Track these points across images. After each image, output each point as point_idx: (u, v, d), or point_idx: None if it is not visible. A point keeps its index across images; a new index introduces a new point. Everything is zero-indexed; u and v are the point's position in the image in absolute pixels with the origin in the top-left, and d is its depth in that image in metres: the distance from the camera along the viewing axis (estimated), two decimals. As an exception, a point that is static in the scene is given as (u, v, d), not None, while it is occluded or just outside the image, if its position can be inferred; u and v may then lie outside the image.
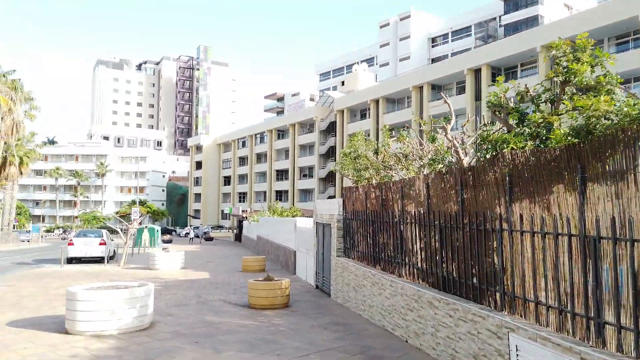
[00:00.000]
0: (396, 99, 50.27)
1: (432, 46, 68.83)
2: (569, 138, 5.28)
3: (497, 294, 5.51)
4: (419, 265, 7.51)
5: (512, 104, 6.26)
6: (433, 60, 64.86)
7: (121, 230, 25.67)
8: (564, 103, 5.76)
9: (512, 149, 5.57)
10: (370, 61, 73.76)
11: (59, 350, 7.10)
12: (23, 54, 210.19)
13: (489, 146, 6.21)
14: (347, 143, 11.99)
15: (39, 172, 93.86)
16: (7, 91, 38.48)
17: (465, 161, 7.40)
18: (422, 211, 7.35)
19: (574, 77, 5.53)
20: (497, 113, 6.33)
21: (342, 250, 11.59)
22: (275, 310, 10.42)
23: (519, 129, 5.81)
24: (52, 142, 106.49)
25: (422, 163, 8.78)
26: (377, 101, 50.49)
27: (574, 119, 5.65)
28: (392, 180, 9.14)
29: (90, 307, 7.95)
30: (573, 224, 4.43)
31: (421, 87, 45.38)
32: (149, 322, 8.65)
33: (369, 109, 52.43)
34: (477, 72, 40.42)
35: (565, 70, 5.63)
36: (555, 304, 4.64)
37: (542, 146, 5.47)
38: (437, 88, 45.39)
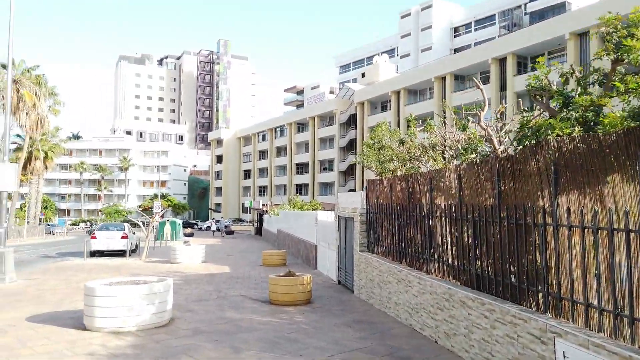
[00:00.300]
0: (418, 90, 49.38)
1: (455, 36, 67.40)
2: (627, 122, 4.75)
3: (540, 295, 5.04)
4: (450, 262, 7.07)
5: (554, 87, 5.74)
6: (455, 51, 63.49)
7: (143, 223, 25.73)
8: (614, 84, 5.23)
9: (558, 135, 5.08)
10: (391, 52, 72.74)
11: (76, 347, 6.90)
12: (46, 49, 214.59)
13: (530, 133, 5.71)
14: (369, 135, 11.55)
15: (64, 167, 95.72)
16: (31, 86, 39.05)
17: (500, 150, 6.91)
18: (453, 204, 6.90)
19: (627, 55, 4.99)
20: (537, 97, 5.83)
21: (365, 245, 11.19)
22: (296, 306, 10.10)
23: (564, 113, 5.29)
24: (76, 137, 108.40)
25: (451, 153, 8.30)
26: (398, 93, 49.68)
27: (625, 102, 5.12)
28: (419, 171, 8.68)
29: (109, 303, 7.75)
30: (632, 218, 3.94)
31: (444, 78, 44.41)
32: (168, 318, 8.42)
33: (389, 101, 51.67)
34: (502, 61, 39.29)
35: (617, 47, 5.10)
36: (610, 307, 4.17)
37: (592, 132, 4.97)
38: (460, 78, 44.39)
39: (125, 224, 25.44)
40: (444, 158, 8.22)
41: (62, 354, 6.57)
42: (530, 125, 5.77)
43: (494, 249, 5.86)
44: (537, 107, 6.05)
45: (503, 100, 36.35)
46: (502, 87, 38.29)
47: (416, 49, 70.74)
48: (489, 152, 7.36)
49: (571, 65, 5.96)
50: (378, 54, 67.43)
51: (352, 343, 7.19)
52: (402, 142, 10.08)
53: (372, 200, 10.76)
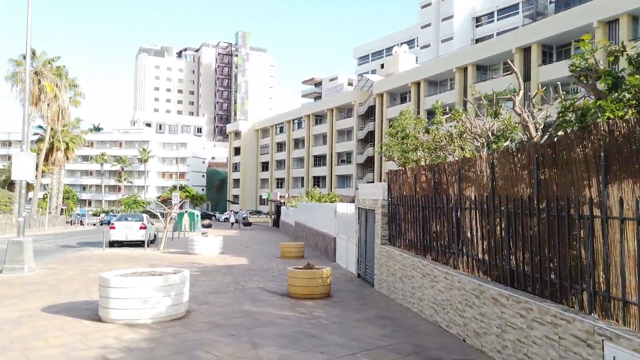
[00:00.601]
0: (438, 81, 48.47)
1: (476, 26, 65.95)
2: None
3: (585, 294, 4.61)
4: (480, 256, 6.65)
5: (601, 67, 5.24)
6: (477, 41, 62.11)
7: (161, 214, 25.75)
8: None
9: (609, 118, 4.62)
10: (410, 43, 71.59)
11: (90, 340, 6.70)
12: (67, 42, 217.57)
13: (573, 118, 5.24)
14: (392, 124, 11.09)
15: (85, 158, 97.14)
16: (52, 78, 39.45)
17: (537, 137, 6.43)
18: (484, 195, 6.46)
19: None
20: (582, 78, 5.35)
21: (386, 237, 10.81)
22: (315, 300, 9.79)
23: (615, 95, 4.82)
24: (97, 129, 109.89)
25: (481, 141, 7.84)
26: (418, 84, 48.84)
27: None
28: (447, 161, 8.23)
29: (124, 294, 7.54)
30: (700, 210, 3.48)
31: (465, 68, 43.45)
32: (184, 310, 8.19)
33: (409, 92, 50.85)
34: (526, 51, 38.22)
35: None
36: (670, 310, 3.72)
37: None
38: (482, 69, 43.40)
39: (144, 215, 25.49)
40: (475, 147, 7.76)
41: (74, 347, 6.37)
42: (574, 109, 5.29)
43: (531, 244, 5.43)
44: (580, 91, 5.55)
45: (529, 91, 35.34)
46: (527, 77, 37.22)
47: (436, 39, 69.53)
48: (524, 140, 6.89)
49: (622, 42, 5.46)
50: (397, 45, 66.40)
51: (374, 340, 6.84)
52: (427, 131, 9.62)
53: (395, 192, 10.35)
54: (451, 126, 8.68)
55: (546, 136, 6.44)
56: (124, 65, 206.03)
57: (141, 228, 23.65)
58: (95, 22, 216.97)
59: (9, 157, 79.70)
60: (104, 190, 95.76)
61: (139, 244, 23.47)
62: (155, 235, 26.56)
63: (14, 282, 12.18)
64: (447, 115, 9.12)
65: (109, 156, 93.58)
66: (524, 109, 6.79)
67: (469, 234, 6.94)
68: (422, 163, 10.29)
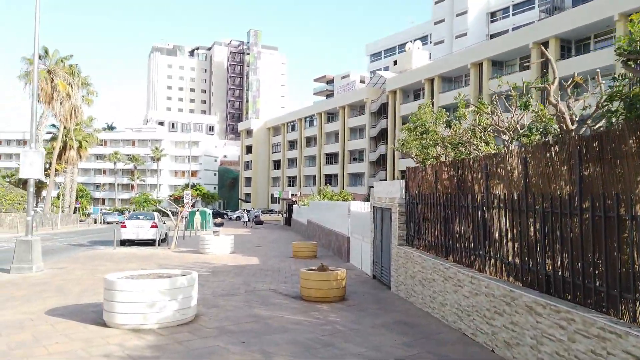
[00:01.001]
0: (453, 77, 47.66)
1: (491, 21, 64.86)
2: None
3: (638, 304, 4.08)
4: (509, 259, 6.13)
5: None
6: (492, 37, 61.08)
7: (172, 213, 25.51)
8: None
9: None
10: (424, 39, 70.74)
11: (92, 347, 6.32)
12: (80, 41, 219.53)
13: (621, 107, 4.71)
14: (411, 117, 10.56)
15: (99, 157, 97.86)
16: (65, 76, 39.50)
17: (574, 129, 5.89)
18: (515, 193, 5.94)
19: None
20: (630, 62, 4.82)
21: (404, 238, 10.30)
22: (330, 303, 9.33)
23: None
24: (111, 128, 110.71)
25: (509, 135, 7.30)
26: (432, 80, 48.07)
27: None
28: (471, 157, 7.71)
29: (129, 298, 7.15)
30: None
31: (480, 64, 42.62)
32: (192, 315, 7.78)
33: (423, 89, 50.11)
34: (543, 45, 37.24)
35: None
36: None
37: None
38: (498, 64, 42.51)
39: (155, 213, 25.24)
40: (503, 142, 7.22)
41: (76, 355, 5.99)
42: (621, 96, 4.75)
43: (572, 247, 4.90)
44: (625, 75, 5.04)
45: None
46: (545, 73, 36.29)
47: (450, 35, 68.57)
48: (558, 133, 6.35)
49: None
50: (411, 42, 65.62)
51: (395, 349, 6.36)
52: (449, 125, 9.10)
53: (413, 190, 9.84)
54: (475, 120, 8.15)
55: (584, 128, 5.91)
56: (137, 64, 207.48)
57: (152, 227, 23.41)
58: (109, 22, 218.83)
59: (12, 156, 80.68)
60: (117, 189, 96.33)
61: (149, 242, 23.24)
62: (166, 234, 26.34)
63: (21, 282, 11.92)
64: (471, 109, 8.59)
65: (122, 155, 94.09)
66: (558, 99, 6.24)
67: (497, 235, 6.42)
68: (443, 159, 9.76)
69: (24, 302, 9.30)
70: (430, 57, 61.51)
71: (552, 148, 5.14)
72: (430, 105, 11.37)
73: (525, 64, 39.25)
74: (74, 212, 56.46)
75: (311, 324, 7.64)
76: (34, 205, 60.42)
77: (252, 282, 11.99)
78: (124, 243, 23.74)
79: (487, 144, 7.90)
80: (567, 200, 4.91)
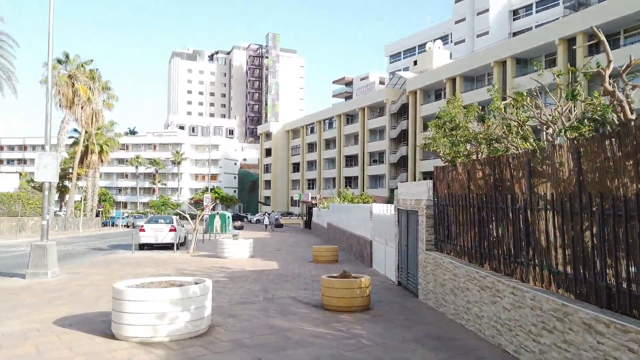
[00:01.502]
0: (475, 76, 46.52)
1: (514, 19, 63.40)
2: None
3: None
4: (559, 268, 5.41)
5: None
6: (514, 35, 59.62)
7: (190, 216, 25.22)
8: None
9: None
10: (444, 39, 69.64)
11: (96, 362, 5.83)
12: (102, 48, 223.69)
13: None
14: (439, 113, 9.87)
15: (121, 161, 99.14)
16: (85, 81, 39.78)
17: (635, 120, 5.17)
18: (566, 193, 5.23)
19: None
20: None
21: (432, 242, 9.61)
22: (353, 313, 8.69)
23: None
24: (133, 132, 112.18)
25: (554, 129, 6.57)
26: (453, 80, 47.02)
27: None
28: (510, 153, 7.00)
29: (138, 308, 6.65)
30: None
31: (504, 62, 41.47)
32: (205, 326, 7.24)
33: (444, 89, 49.08)
34: (570, 42, 36.00)
35: None
36: None
37: None
38: (522, 62, 41.28)
39: (174, 217, 24.98)
40: (545, 136, 6.50)
41: (78, 372, 5.50)
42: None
43: (640, 255, 4.18)
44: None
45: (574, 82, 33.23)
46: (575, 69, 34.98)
47: (471, 34, 67.35)
48: (614, 123, 5.62)
49: None
50: (431, 41, 64.58)
51: (428, 368, 5.69)
52: (482, 120, 8.40)
53: (442, 191, 9.15)
54: (512, 113, 7.43)
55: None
56: (158, 69, 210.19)
57: (171, 230, 23.12)
58: (130, 29, 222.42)
59: (24, 161, 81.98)
60: (139, 193, 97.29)
61: (168, 246, 22.95)
62: (185, 238, 26.05)
63: (35, 288, 11.61)
64: (507, 102, 7.86)
65: (143, 159, 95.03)
66: (615, 86, 5.50)
67: (543, 241, 5.70)
68: (475, 157, 9.04)
69: (34, 310, 8.92)
70: (450, 57, 60.40)
71: (613, 140, 4.43)
72: (460, 100, 10.62)
73: (549, 64, 37.95)
74: (97, 216, 56.99)
75: (334, 338, 7.02)
76: (58, 209, 61.08)
77: (270, 289, 11.43)
78: (143, 247, 23.50)
79: (525, 139, 7.17)
80: (635, 200, 4.20)
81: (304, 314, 8.63)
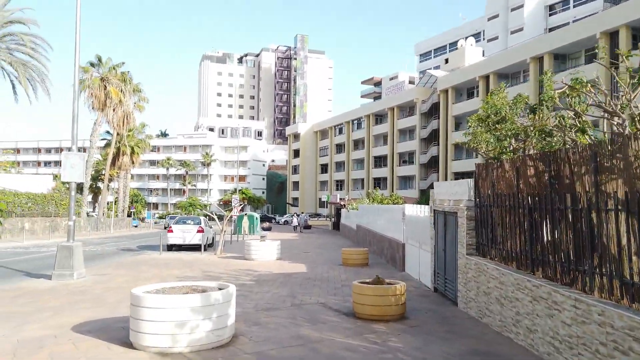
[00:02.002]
0: (509, 73, 44.92)
1: (550, 14, 61.22)
2: None
3: None
4: (634, 279, 4.63)
5: None
6: (550, 31, 57.50)
7: (218, 217, 25.01)
8: None
9: None
10: (476, 36, 67.83)
11: (110, 375, 5.37)
12: (134, 52, 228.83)
13: None
14: (482, 105, 9.08)
15: (152, 163, 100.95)
16: (117, 83, 40.32)
17: None
18: (644, 191, 4.44)
19: None
20: None
21: (473, 246, 8.84)
22: (387, 322, 8.03)
23: None
24: (164, 135, 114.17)
25: (624, 118, 5.77)
26: (486, 77, 45.55)
27: None
28: (571, 146, 6.21)
29: (156, 315, 6.18)
30: None
31: (541, 58, 39.85)
32: (229, 335, 6.72)
33: (476, 87, 47.64)
34: (613, 35, 34.24)
35: None
36: None
37: None
38: (560, 58, 39.59)
39: (202, 218, 24.80)
40: (619, 126, 5.68)
41: (89, 387, 5.04)
42: None
43: None
44: None
45: (613, 79, 31.55)
46: (613, 64, 33.24)
47: (505, 30, 65.52)
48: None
49: None
50: (463, 39, 62.99)
51: (477, 391, 4.99)
52: (533, 111, 7.59)
53: (485, 190, 8.38)
54: (569, 102, 6.62)
55: None
56: (189, 72, 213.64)
57: (198, 232, 22.92)
58: (161, 32, 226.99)
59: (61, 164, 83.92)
60: (170, 194, 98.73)
61: (196, 248, 22.74)
62: (212, 239, 25.85)
63: (60, 290, 11.40)
64: (561, 89, 7.03)
65: (174, 160, 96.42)
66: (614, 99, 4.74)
67: (612, 247, 4.92)
68: (523, 152, 8.23)
69: (55, 314, 8.62)
70: (483, 55, 58.75)
71: None
72: (505, 90, 9.79)
73: (590, 59, 36.19)
74: (129, 216, 57.88)
75: (368, 351, 6.38)
76: (91, 210, 62.32)
77: (298, 294, 10.87)
78: (171, 248, 23.40)
79: (582, 132, 6.36)
80: None
81: (335, 323, 8.01)
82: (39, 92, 31.00)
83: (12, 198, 29.18)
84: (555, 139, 7.15)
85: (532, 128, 7.69)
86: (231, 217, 24.67)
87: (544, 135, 7.46)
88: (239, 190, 74.54)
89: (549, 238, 6.16)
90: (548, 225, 6.20)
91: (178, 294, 6.65)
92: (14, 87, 30.83)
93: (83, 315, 8.49)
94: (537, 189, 6.43)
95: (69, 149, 13.74)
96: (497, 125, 8.53)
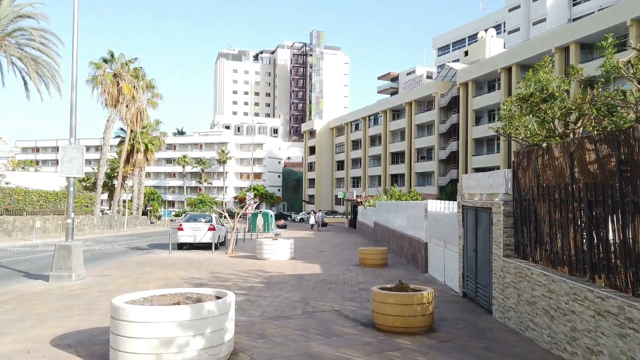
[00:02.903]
0: (533, 64, 43.05)
1: (574, 4, 58.93)
2: None
3: None
4: None
5: None
6: (574, 21, 55.29)
7: (229, 214, 24.15)
8: None
9: None
10: (496, 29, 65.80)
11: (75, 408, 4.37)
12: (151, 49, 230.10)
13: None
14: (522, 82, 7.88)
15: (169, 161, 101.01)
16: (130, 79, 39.72)
17: None
18: None
19: None
20: None
21: (512, 247, 7.66)
22: (413, 336, 6.91)
23: None
24: (181, 133, 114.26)
25: None
26: (508, 69, 43.85)
27: None
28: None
29: (138, 331, 5.17)
30: None
31: (566, 48, 38.07)
32: (226, 354, 5.69)
33: (498, 80, 45.93)
34: (645, 21, 32.35)
35: None
36: None
37: None
38: (587, 47, 37.71)
39: (214, 215, 23.89)
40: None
41: None
42: None
43: None
44: None
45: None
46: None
47: (527, 22, 63.38)
48: None
49: None
50: (483, 31, 61.08)
51: None
52: (590, 85, 6.36)
53: (526, 181, 7.19)
54: (634, 72, 5.42)
55: None
56: (206, 70, 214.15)
57: (210, 229, 22.05)
58: (177, 31, 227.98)
59: (90, 162, 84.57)
60: (186, 192, 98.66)
61: (208, 246, 21.87)
62: (225, 237, 24.97)
63: (52, 294, 10.53)
64: (634, 54, 5.76)
65: (190, 158, 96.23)
66: None
67: None
68: (573, 136, 7.02)
69: (38, 323, 7.71)
70: (504, 47, 56.83)
71: None
72: (551, 65, 8.54)
73: (620, 47, 34.30)
74: (145, 214, 57.52)
75: (392, 375, 5.27)
76: (108, 207, 62.07)
77: (311, 299, 9.80)
78: (182, 247, 22.58)
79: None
80: None
81: (352, 337, 6.92)
82: (51, 88, 30.49)
83: (23, 196, 28.72)
84: (623, 115, 5.91)
85: (589, 105, 6.47)
86: (245, 214, 23.72)
87: (606, 113, 6.22)
88: (252, 188, 73.88)
89: (618, 238, 4.97)
90: (615, 222, 5.00)
91: (168, 304, 5.65)
92: (25, 83, 30.38)
93: (67, 326, 7.56)
94: (599, 178, 5.24)
95: (70, 142, 12.89)
96: (541, 106, 7.32)
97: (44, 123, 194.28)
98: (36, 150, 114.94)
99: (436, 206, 13.54)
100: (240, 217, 23.83)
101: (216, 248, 22.16)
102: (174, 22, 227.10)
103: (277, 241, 18.08)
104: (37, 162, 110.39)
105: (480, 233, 8.89)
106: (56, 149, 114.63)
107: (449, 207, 12.64)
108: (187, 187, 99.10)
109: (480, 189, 8.87)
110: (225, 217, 23.22)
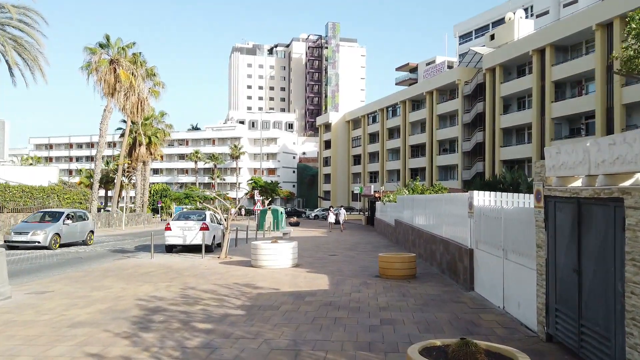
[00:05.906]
0: (569, 45, 38.78)
1: (610, -19, 54.03)
2: None
3: None
4: None
5: None
6: (611, 0, 50.42)
7: (221, 211, 20.82)
8: None
9: None
10: (524, 12, 61.16)
11: None
12: (165, 44, 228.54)
13: None
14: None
15: (181, 157, 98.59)
16: (127, 65, 36.65)
17: None
18: None
19: None
20: None
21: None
22: None
23: None
24: (196, 129, 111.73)
25: None
26: (541, 51, 39.58)
27: None
28: None
29: None
30: None
31: (609, 25, 33.66)
32: None
33: (529, 63, 41.68)
34: None
35: None
36: None
37: None
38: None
39: (208, 212, 20.53)
40: None
41: None
42: None
43: None
44: None
45: None
46: None
47: (556, 4, 58.80)
48: None
49: None
50: (511, 12, 56.65)
51: None
52: None
53: None
54: None
55: None
56: (220, 65, 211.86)
57: (202, 229, 18.71)
58: (192, 25, 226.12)
59: (92, 159, 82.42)
60: (199, 188, 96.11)
61: (199, 248, 18.56)
62: (222, 237, 21.61)
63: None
64: None
65: (202, 154, 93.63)
66: None
67: None
68: None
69: None
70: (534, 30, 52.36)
71: None
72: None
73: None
74: (156, 212, 54.69)
75: None
76: (110, 204, 59.25)
77: (307, 343, 6.28)
78: (170, 249, 19.32)
79: None
80: None
81: None
82: (36, 74, 27.52)
83: (2, 191, 25.83)
84: None
85: None
86: (232, 211, 20.31)
87: None
88: (249, 180, 70.38)
89: None
90: None
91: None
92: (10, 68, 27.55)
93: None
94: None
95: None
96: None
97: (58, 120, 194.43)
98: (49, 147, 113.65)
99: (487, 199, 9.87)
100: (239, 214, 20.38)
101: (210, 250, 18.85)
102: (187, 17, 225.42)
103: (277, 244, 14.59)
104: (51, 159, 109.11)
105: (589, 242, 5.26)
106: (69, 146, 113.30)
107: (511, 201, 8.98)
108: (199, 183, 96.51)
109: (587, 167, 5.22)
110: (218, 215, 19.88)
